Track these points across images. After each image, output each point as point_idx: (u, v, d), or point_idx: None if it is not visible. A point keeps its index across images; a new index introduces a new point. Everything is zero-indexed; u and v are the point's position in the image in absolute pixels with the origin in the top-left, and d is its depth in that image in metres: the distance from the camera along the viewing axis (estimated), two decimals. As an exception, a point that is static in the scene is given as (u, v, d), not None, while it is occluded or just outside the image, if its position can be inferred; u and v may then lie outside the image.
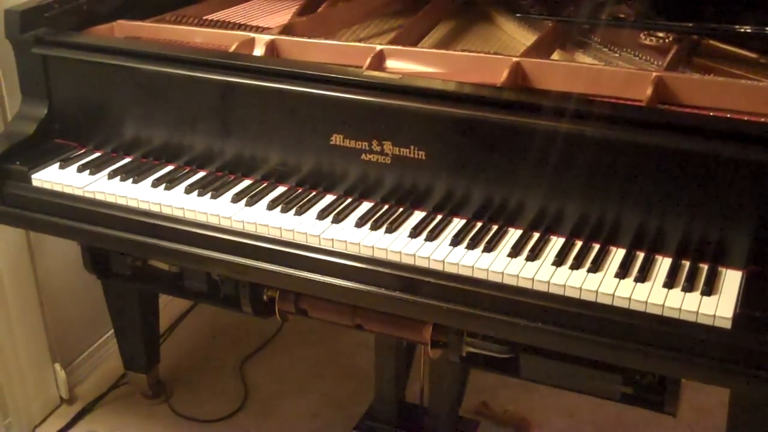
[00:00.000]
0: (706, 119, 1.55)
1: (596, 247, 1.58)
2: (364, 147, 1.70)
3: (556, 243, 1.59)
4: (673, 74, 1.66)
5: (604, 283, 1.48)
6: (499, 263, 1.54)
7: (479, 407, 2.50)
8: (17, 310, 2.38)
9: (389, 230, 1.64)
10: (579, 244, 1.59)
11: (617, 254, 1.56)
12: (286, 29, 2.01)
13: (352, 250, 1.62)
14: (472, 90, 1.68)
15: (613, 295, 1.45)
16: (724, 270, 1.50)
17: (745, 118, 1.55)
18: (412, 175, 1.69)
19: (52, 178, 1.87)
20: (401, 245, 1.60)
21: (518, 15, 2.07)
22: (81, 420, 2.54)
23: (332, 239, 1.63)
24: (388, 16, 2.22)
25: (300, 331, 2.90)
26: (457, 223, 1.66)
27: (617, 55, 1.88)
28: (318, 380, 2.70)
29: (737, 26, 1.88)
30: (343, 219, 1.69)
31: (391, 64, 1.84)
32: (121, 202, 1.80)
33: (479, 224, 1.65)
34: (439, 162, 1.66)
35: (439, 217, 1.68)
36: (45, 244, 2.42)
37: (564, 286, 1.48)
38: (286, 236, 1.66)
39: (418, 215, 1.69)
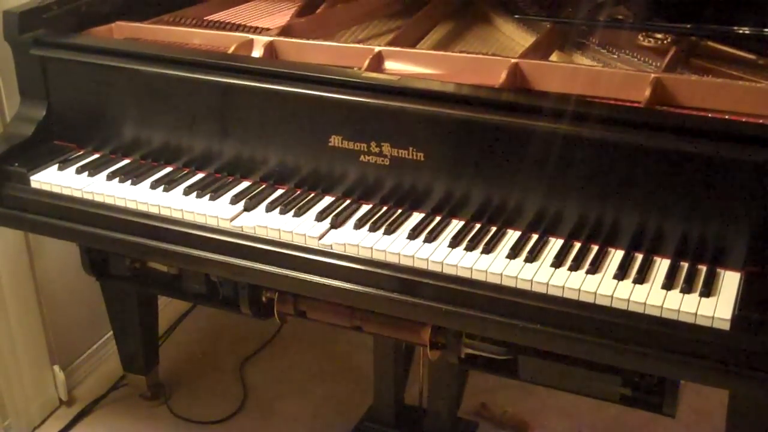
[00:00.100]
0: (705, 120, 1.55)
1: (595, 248, 1.58)
2: (362, 148, 1.70)
3: (555, 244, 1.59)
4: (672, 75, 1.66)
5: (603, 285, 1.48)
6: (497, 265, 1.54)
7: (478, 409, 2.50)
8: (16, 312, 2.37)
9: (388, 232, 1.64)
10: (578, 245, 1.59)
11: (616, 256, 1.56)
12: (285, 30, 2.01)
13: (351, 251, 1.62)
14: (471, 91, 1.68)
15: (612, 296, 1.45)
16: (722, 271, 1.50)
17: (743, 120, 1.55)
18: (411, 176, 1.69)
19: (50, 179, 1.87)
20: (400, 247, 1.60)
21: (516, 16, 2.07)
22: (80, 422, 2.54)
23: (331, 241, 1.63)
24: (387, 18, 2.22)
25: (299, 332, 2.90)
26: (456, 225, 1.66)
27: (615, 56, 1.88)
28: (317, 382, 2.70)
29: (735, 27, 1.88)
30: (341, 220, 1.69)
31: (389, 65, 1.84)
32: (120, 203, 1.80)
33: (478, 226, 1.65)
34: (437, 163, 1.66)
35: (438, 218, 1.68)
36: (44, 245, 2.42)
37: (562, 287, 1.48)
38: (285, 238, 1.66)
39: (416, 217, 1.69)
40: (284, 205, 1.73)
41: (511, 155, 1.60)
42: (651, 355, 1.42)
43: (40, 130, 1.98)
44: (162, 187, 1.81)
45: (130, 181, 1.84)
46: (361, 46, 1.90)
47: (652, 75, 1.64)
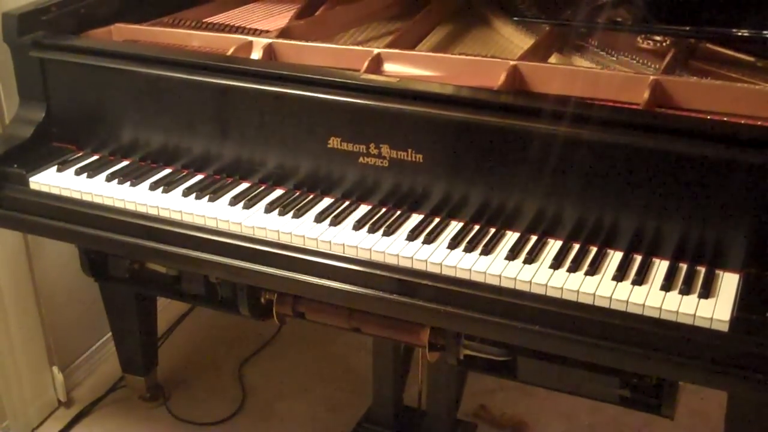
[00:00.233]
0: (703, 122, 1.55)
1: (593, 250, 1.58)
2: (361, 150, 1.70)
3: (554, 246, 1.60)
4: (670, 78, 1.66)
5: (602, 286, 1.48)
6: (496, 266, 1.54)
7: (477, 410, 2.50)
8: (15, 313, 2.37)
9: (387, 233, 1.64)
10: (576, 247, 1.59)
11: (614, 257, 1.56)
12: (284, 33, 2.01)
13: (350, 252, 1.62)
14: (470, 93, 1.68)
15: (611, 298, 1.45)
16: (721, 273, 1.50)
17: (742, 122, 1.55)
18: (410, 178, 1.69)
19: (49, 181, 1.87)
20: (399, 248, 1.60)
21: (516, 18, 2.07)
22: (78, 423, 2.54)
23: (330, 242, 1.63)
24: (386, 20, 2.22)
25: (298, 334, 2.90)
26: (455, 226, 1.66)
27: (614, 58, 1.88)
28: (316, 383, 2.70)
29: (734, 30, 1.88)
30: (340, 222, 1.69)
31: (388, 67, 1.84)
32: (119, 205, 1.80)
33: (477, 227, 1.65)
34: (436, 165, 1.66)
35: (437, 220, 1.68)
36: (43, 247, 2.42)
37: (561, 289, 1.48)
38: (284, 239, 1.67)
39: (415, 218, 1.70)
40: (283, 207, 1.73)
41: (509, 157, 1.60)
42: (649, 357, 1.42)
43: (39, 132, 1.98)
44: (161, 189, 1.82)
45: (129, 183, 1.84)
46: (360, 48, 1.90)
47: (651, 77, 1.64)
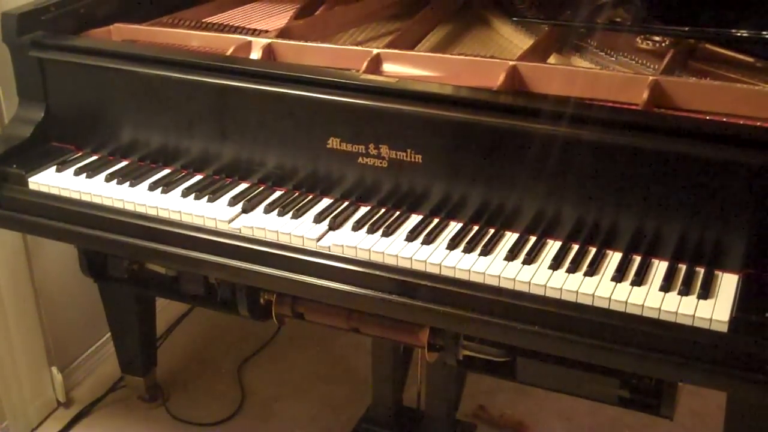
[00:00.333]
0: (702, 123, 1.55)
1: (593, 250, 1.58)
2: (360, 150, 1.70)
3: (553, 246, 1.60)
4: (670, 78, 1.66)
5: (601, 287, 1.48)
6: (495, 266, 1.54)
7: (476, 411, 2.50)
8: (14, 314, 2.37)
9: (386, 233, 1.64)
10: (575, 247, 1.59)
11: (614, 258, 1.56)
12: (283, 33, 2.01)
13: (349, 253, 1.62)
14: (469, 93, 1.68)
15: (610, 298, 1.45)
16: (720, 273, 1.50)
17: (741, 122, 1.55)
18: (409, 178, 1.69)
19: (49, 181, 1.87)
20: (398, 248, 1.60)
21: (515, 19, 2.07)
22: (78, 423, 2.54)
23: (329, 242, 1.63)
24: (385, 20, 2.22)
25: (297, 334, 2.90)
26: (454, 227, 1.66)
27: (614, 58, 1.88)
28: (315, 383, 2.69)
29: (733, 30, 1.88)
30: (339, 222, 1.69)
31: (388, 67, 1.84)
32: (118, 205, 1.80)
33: (476, 227, 1.65)
34: (435, 165, 1.66)
35: (436, 220, 1.68)
36: (42, 247, 2.42)
37: (560, 289, 1.48)
38: (283, 239, 1.66)
39: (414, 219, 1.69)
40: (282, 207, 1.73)
41: (509, 157, 1.60)
42: (649, 357, 1.42)
43: (38, 132, 1.98)
44: (160, 189, 1.81)
45: (128, 183, 1.84)
46: (359, 48, 1.90)
47: (650, 77, 1.64)
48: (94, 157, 1.96)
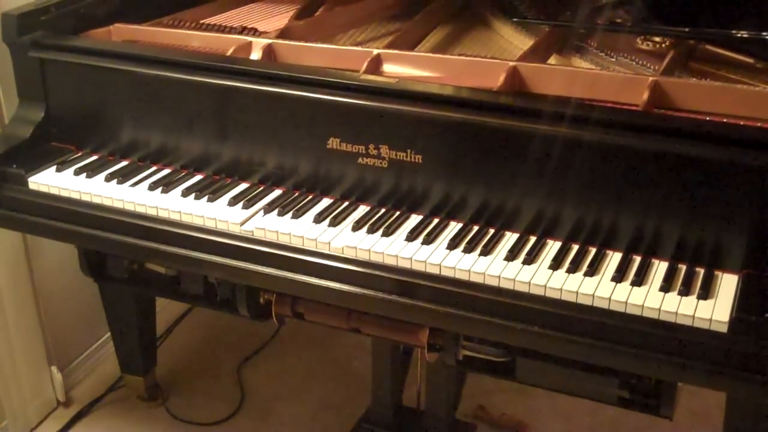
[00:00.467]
0: (702, 124, 1.55)
1: (593, 250, 1.58)
2: (360, 151, 1.70)
3: (553, 247, 1.60)
4: (670, 79, 1.66)
5: (601, 287, 1.48)
6: (495, 267, 1.54)
7: (476, 411, 2.50)
8: (14, 313, 2.37)
9: (386, 234, 1.64)
10: (575, 247, 1.59)
11: (614, 258, 1.56)
12: (284, 33, 2.01)
13: (349, 253, 1.62)
14: (469, 94, 1.68)
15: (610, 298, 1.45)
16: (720, 274, 1.51)
17: (741, 123, 1.56)
18: (409, 178, 1.69)
19: (48, 181, 1.87)
20: (398, 249, 1.60)
21: (515, 19, 2.07)
22: (77, 423, 2.54)
23: (329, 242, 1.63)
24: (386, 21, 2.22)
25: (297, 334, 2.90)
26: (454, 227, 1.66)
27: (614, 59, 1.88)
28: (315, 383, 2.69)
29: (734, 31, 1.88)
30: (339, 222, 1.69)
31: (388, 68, 1.84)
32: (118, 205, 1.80)
33: (476, 228, 1.65)
34: (435, 166, 1.66)
35: (436, 220, 1.68)
36: (42, 247, 2.42)
37: (560, 290, 1.48)
38: (283, 239, 1.66)
39: (414, 219, 1.70)
40: (282, 207, 1.73)
41: (509, 158, 1.60)
42: (648, 358, 1.42)
43: (38, 132, 1.98)
44: (160, 189, 1.82)
45: (128, 183, 1.84)
46: (359, 48, 1.90)
47: (650, 78, 1.64)
48: (94, 157, 1.96)
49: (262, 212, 1.73)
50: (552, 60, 1.88)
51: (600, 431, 2.47)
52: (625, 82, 1.67)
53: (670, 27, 1.94)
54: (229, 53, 1.91)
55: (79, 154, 1.98)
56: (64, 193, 1.85)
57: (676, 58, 1.82)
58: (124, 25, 2.10)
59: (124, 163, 1.94)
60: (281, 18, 2.23)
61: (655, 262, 1.54)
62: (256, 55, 1.92)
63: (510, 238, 1.62)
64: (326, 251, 1.63)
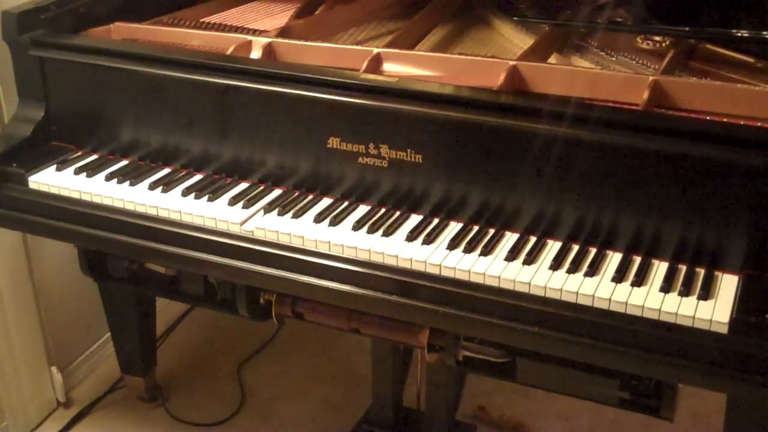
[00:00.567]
0: (702, 123, 1.55)
1: (593, 251, 1.57)
2: (360, 150, 1.70)
3: (553, 247, 1.59)
4: (670, 78, 1.66)
5: (601, 288, 1.47)
6: (495, 267, 1.53)
7: (476, 411, 2.50)
8: (14, 313, 2.37)
9: (386, 234, 1.64)
10: (576, 248, 1.58)
11: (614, 258, 1.55)
12: (284, 32, 2.01)
13: (349, 253, 1.62)
14: (469, 93, 1.68)
15: (610, 299, 1.45)
16: (720, 274, 1.50)
17: (741, 123, 1.55)
18: (409, 178, 1.69)
19: (48, 180, 1.87)
20: (398, 249, 1.60)
21: (515, 18, 2.07)
22: (77, 423, 2.54)
23: (329, 242, 1.63)
24: (386, 20, 2.22)
25: (297, 334, 2.90)
26: (454, 227, 1.66)
27: (614, 58, 1.88)
28: (315, 384, 2.69)
29: (734, 30, 1.88)
30: (339, 222, 1.68)
31: (388, 67, 1.83)
32: (118, 204, 1.80)
33: (476, 228, 1.65)
34: (436, 165, 1.66)
35: (436, 220, 1.68)
36: (42, 246, 2.42)
37: (560, 290, 1.48)
38: (283, 239, 1.66)
39: (414, 219, 1.69)
40: (282, 207, 1.73)
41: (509, 157, 1.60)
42: (649, 359, 1.42)
43: (38, 131, 1.98)
44: (160, 189, 1.81)
45: (128, 182, 1.84)
46: (359, 47, 1.89)
47: (651, 77, 1.64)
48: (94, 157, 1.96)
49: (262, 212, 1.73)
50: (552, 59, 1.88)
51: (600, 432, 2.47)
52: (625, 82, 1.67)
53: (670, 26, 1.94)
54: (229, 52, 1.91)
55: (79, 153, 1.98)
56: (64, 193, 1.85)
57: (676, 58, 1.82)
58: (124, 23, 2.10)
59: (124, 162, 1.94)
60: (281, 17, 2.23)
61: (656, 262, 1.54)
62: (256, 54, 1.92)
63: (510, 238, 1.62)
64: (326, 251, 1.63)
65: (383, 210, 1.72)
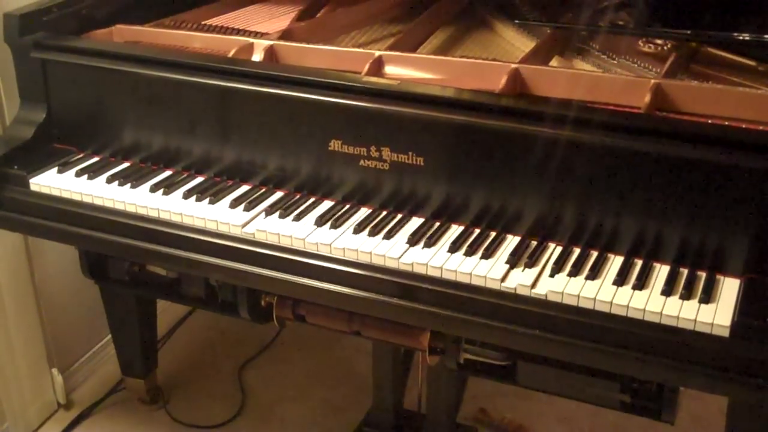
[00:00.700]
0: (704, 127, 1.55)
1: (594, 254, 1.57)
2: (362, 153, 1.70)
3: (555, 250, 1.59)
4: (672, 81, 1.66)
5: (602, 291, 1.47)
6: (497, 270, 1.53)
7: (477, 414, 2.50)
8: (15, 315, 2.37)
9: (387, 236, 1.64)
10: (577, 251, 1.58)
11: (615, 262, 1.55)
12: (285, 35, 2.01)
13: (350, 256, 1.62)
14: (471, 96, 1.67)
15: (611, 302, 1.45)
16: (722, 278, 1.50)
17: (743, 126, 1.55)
18: (411, 181, 1.69)
19: (50, 182, 1.87)
20: (399, 251, 1.59)
21: (517, 21, 2.07)
22: (78, 425, 2.54)
23: (330, 245, 1.63)
24: (388, 22, 2.22)
25: (298, 337, 2.90)
26: (456, 230, 1.66)
27: (615, 62, 1.88)
28: (316, 386, 2.69)
29: (735, 34, 1.88)
30: (341, 225, 1.68)
31: (389, 69, 1.83)
32: (119, 207, 1.80)
33: (477, 231, 1.65)
34: (437, 168, 1.66)
35: (437, 223, 1.68)
36: (43, 248, 2.42)
37: (562, 293, 1.48)
38: (284, 242, 1.66)
39: (416, 221, 1.69)
40: (284, 209, 1.73)
41: (510, 160, 1.60)
42: (650, 362, 1.42)
43: (39, 133, 1.98)
44: (161, 191, 1.81)
45: (129, 185, 1.84)
46: (361, 50, 1.90)
47: (652, 81, 1.64)
48: (96, 159, 1.96)
49: (263, 214, 1.73)
50: (554, 62, 1.88)
51: (601, 435, 2.47)
52: (627, 85, 1.67)
53: (672, 29, 1.94)
54: (231, 54, 1.91)
55: (81, 155, 1.98)
56: (66, 195, 1.85)
57: (678, 61, 1.82)
58: (126, 26, 2.10)
59: (126, 164, 1.94)
60: (283, 19, 2.23)
61: (657, 265, 1.54)
62: (258, 56, 1.92)
63: (512, 241, 1.62)
64: (327, 254, 1.63)
65: (385, 213, 1.72)
